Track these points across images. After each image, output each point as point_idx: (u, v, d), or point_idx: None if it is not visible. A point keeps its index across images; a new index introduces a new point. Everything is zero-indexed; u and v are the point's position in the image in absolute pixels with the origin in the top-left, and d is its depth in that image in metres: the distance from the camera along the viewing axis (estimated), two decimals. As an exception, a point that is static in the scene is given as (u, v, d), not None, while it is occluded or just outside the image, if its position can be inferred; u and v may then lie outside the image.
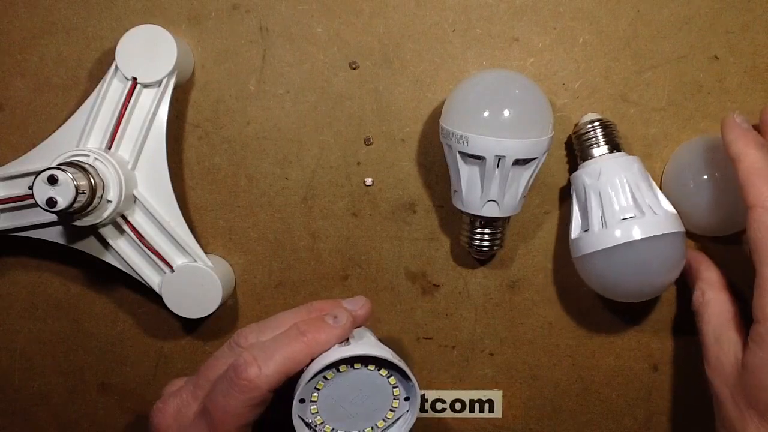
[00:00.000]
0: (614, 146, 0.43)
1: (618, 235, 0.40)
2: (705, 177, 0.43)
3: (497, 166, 0.41)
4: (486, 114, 0.40)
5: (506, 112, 0.40)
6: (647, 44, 0.45)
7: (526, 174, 0.42)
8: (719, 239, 0.47)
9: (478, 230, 0.44)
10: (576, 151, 0.45)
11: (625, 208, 0.41)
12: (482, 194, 0.42)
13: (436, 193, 0.47)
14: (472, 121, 0.41)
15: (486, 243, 0.44)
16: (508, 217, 0.44)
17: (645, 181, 0.42)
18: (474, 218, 0.44)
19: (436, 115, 0.46)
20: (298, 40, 0.46)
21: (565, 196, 0.47)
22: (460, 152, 0.41)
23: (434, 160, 0.46)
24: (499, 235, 0.44)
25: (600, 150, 0.43)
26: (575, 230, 0.44)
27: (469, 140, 0.40)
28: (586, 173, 0.43)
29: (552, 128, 0.42)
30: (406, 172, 0.47)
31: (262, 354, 0.35)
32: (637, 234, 0.40)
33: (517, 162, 0.41)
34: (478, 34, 0.45)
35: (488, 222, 0.44)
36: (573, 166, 0.46)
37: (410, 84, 0.46)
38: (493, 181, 0.41)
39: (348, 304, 0.40)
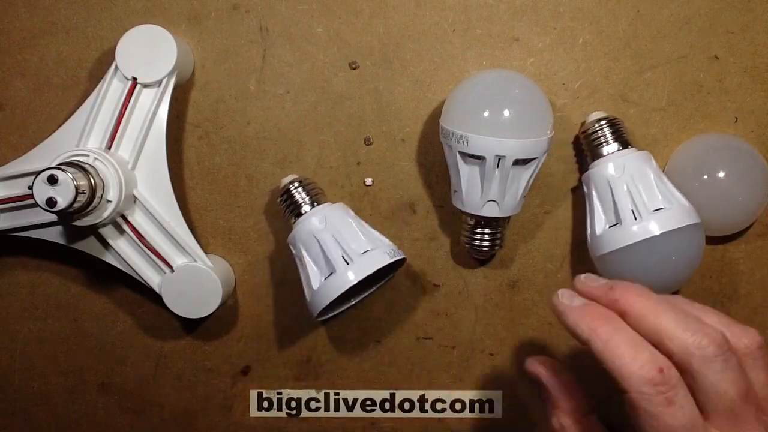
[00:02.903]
0: (623, 143, 0.43)
1: (653, 227, 0.40)
2: (705, 177, 0.43)
3: (497, 166, 0.41)
4: (486, 114, 0.40)
5: (506, 112, 0.40)
6: (647, 44, 0.45)
7: (526, 174, 0.42)
8: (719, 239, 0.47)
9: (478, 230, 0.44)
10: (585, 150, 0.45)
11: (654, 201, 0.41)
12: (482, 194, 0.42)
13: (436, 193, 0.47)
14: (472, 121, 0.41)
15: (486, 243, 0.44)
16: (508, 217, 0.44)
17: (661, 174, 0.43)
18: (474, 218, 0.44)
19: (436, 115, 0.46)
20: (298, 40, 0.46)
21: (565, 196, 0.47)
22: (460, 152, 0.41)
23: (434, 160, 0.46)
24: (499, 235, 0.44)
25: (610, 147, 0.43)
26: (600, 226, 0.43)
27: (469, 140, 0.40)
28: (609, 168, 0.42)
29: (552, 128, 0.42)
30: (406, 172, 0.47)
31: None
32: (670, 224, 0.40)
33: (517, 162, 0.41)
34: (478, 34, 0.45)
35: (488, 222, 0.44)
36: (582, 166, 0.46)
37: (410, 84, 0.46)
38: (493, 181, 0.41)
39: None
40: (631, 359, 0.29)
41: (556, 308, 0.33)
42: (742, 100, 0.45)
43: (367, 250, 0.42)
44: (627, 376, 0.29)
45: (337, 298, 0.41)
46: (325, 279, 0.41)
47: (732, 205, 0.43)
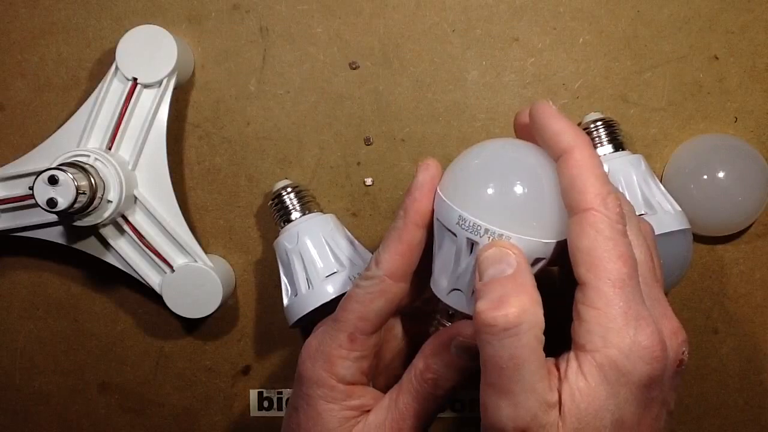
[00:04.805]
0: (618, 145, 0.43)
1: None
2: (705, 177, 0.43)
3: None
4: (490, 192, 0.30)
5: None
6: (647, 44, 0.45)
7: None
8: (719, 239, 0.47)
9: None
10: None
11: (637, 206, 0.41)
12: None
13: (436, 193, 0.47)
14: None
15: None
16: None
17: (652, 178, 0.42)
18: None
19: (436, 115, 0.46)
20: (298, 40, 0.46)
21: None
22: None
23: (434, 160, 0.47)
24: None
25: (604, 149, 0.43)
26: None
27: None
28: None
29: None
30: (406, 172, 0.47)
31: (379, 248, 0.34)
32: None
33: None
34: (478, 34, 0.45)
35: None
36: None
37: (410, 84, 0.46)
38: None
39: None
40: (604, 180, 0.29)
41: (546, 111, 0.30)
42: (742, 100, 0.45)
43: (333, 273, 0.41)
44: (595, 193, 0.28)
45: (314, 309, 0.41)
46: (295, 296, 0.42)
47: (732, 205, 0.43)
